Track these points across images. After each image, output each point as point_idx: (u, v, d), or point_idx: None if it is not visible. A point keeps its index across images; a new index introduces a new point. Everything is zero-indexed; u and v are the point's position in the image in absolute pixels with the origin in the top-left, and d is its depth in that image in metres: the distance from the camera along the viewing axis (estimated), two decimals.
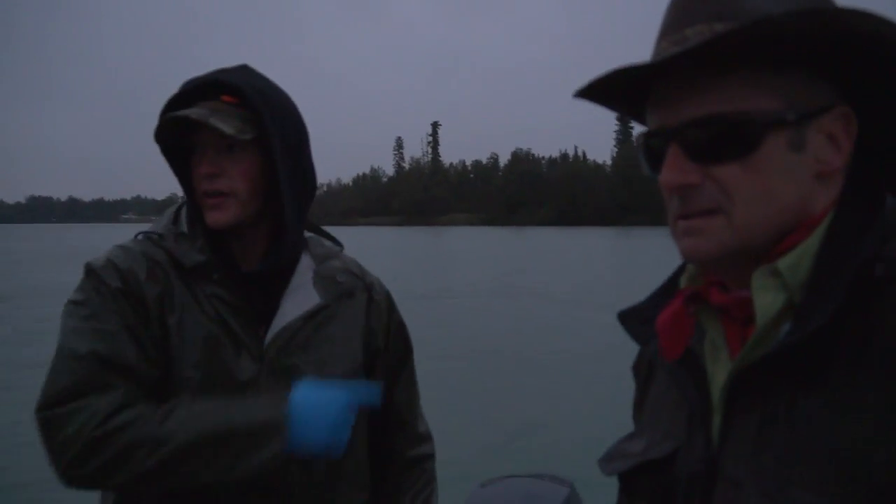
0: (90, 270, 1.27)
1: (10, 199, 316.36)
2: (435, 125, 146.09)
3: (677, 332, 0.72)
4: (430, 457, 1.56)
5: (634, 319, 0.81)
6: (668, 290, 0.81)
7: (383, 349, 1.48)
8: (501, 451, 6.07)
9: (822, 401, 0.62)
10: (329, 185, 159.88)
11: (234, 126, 1.25)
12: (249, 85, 1.28)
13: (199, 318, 1.27)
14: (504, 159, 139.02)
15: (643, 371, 0.90)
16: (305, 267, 1.41)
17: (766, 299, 0.66)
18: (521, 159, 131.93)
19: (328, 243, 1.50)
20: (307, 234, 1.47)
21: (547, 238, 59.05)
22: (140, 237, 1.35)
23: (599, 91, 0.71)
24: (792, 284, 0.66)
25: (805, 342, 0.63)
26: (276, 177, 1.30)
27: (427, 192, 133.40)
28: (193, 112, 1.24)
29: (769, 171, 0.66)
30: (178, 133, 1.31)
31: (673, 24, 0.70)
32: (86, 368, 1.18)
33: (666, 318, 0.73)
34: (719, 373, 0.72)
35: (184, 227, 1.34)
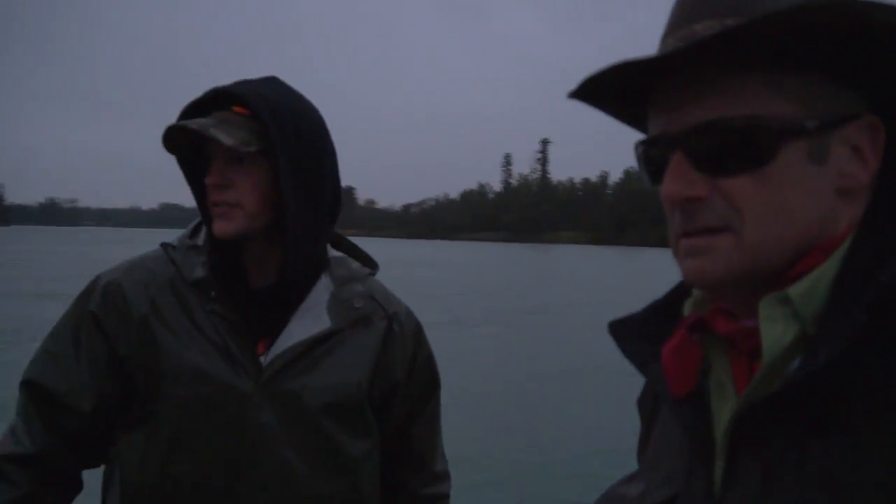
0: (87, 286, 1.35)
1: (146, 206, 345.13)
2: (544, 142, 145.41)
3: (685, 364, 0.64)
4: (445, 497, 1.49)
5: (629, 334, 0.73)
6: (666, 306, 0.73)
7: (403, 382, 1.40)
8: (583, 465, 6.06)
9: (837, 447, 0.54)
10: (437, 201, 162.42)
11: (237, 138, 1.22)
12: (260, 96, 1.25)
13: (195, 335, 1.27)
14: (614, 177, 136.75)
15: (648, 405, 0.82)
16: (322, 288, 1.35)
17: (775, 330, 0.58)
18: (634, 178, 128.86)
19: (357, 265, 1.43)
20: (335, 253, 1.42)
21: (658, 259, 57.30)
22: (159, 247, 1.38)
23: (597, 91, 0.63)
24: (805, 314, 0.58)
25: (817, 379, 0.54)
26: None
27: (534, 209, 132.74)
28: (193, 122, 1.23)
29: (785, 184, 0.58)
30: (195, 143, 1.29)
31: (680, 20, 0.63)
32: (21, 396, 1.33)
33: (671, 350, 0.65)
34: (724, 412, 0.64)
35: (199, 240, 1.35)
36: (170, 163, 1.36)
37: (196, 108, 1.29)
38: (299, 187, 1.26)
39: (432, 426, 1.48)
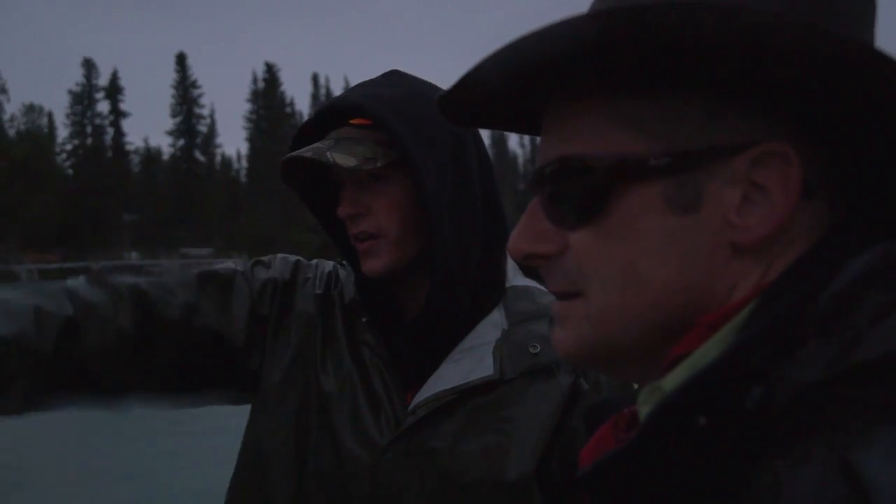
0: (296, 260, 1.22)
1: None
2: None
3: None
4: None
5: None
6: None
7: None
8: None
9: None
10: None
11: (359, 155, 1.02)
12: (376, 98, 1.05)
13: (346, 365, 1.09)
14: None
15: None
16: (491, 325, 1.08)
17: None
18: None
19: (550, 298, 1.07)
20: (521, 281, 1.14)
21: None
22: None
23: (482, 112, 0.54)
24: None
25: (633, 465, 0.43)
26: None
27: None
28: (308, 150, 1.04)
29: (631, 240, 0.46)
30: (319, 172, 1.11)
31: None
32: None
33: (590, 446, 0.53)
34: None
35: None
36: None
37: (312, 131, 1.10)
38: (445, 198, 1.04)
39: None
